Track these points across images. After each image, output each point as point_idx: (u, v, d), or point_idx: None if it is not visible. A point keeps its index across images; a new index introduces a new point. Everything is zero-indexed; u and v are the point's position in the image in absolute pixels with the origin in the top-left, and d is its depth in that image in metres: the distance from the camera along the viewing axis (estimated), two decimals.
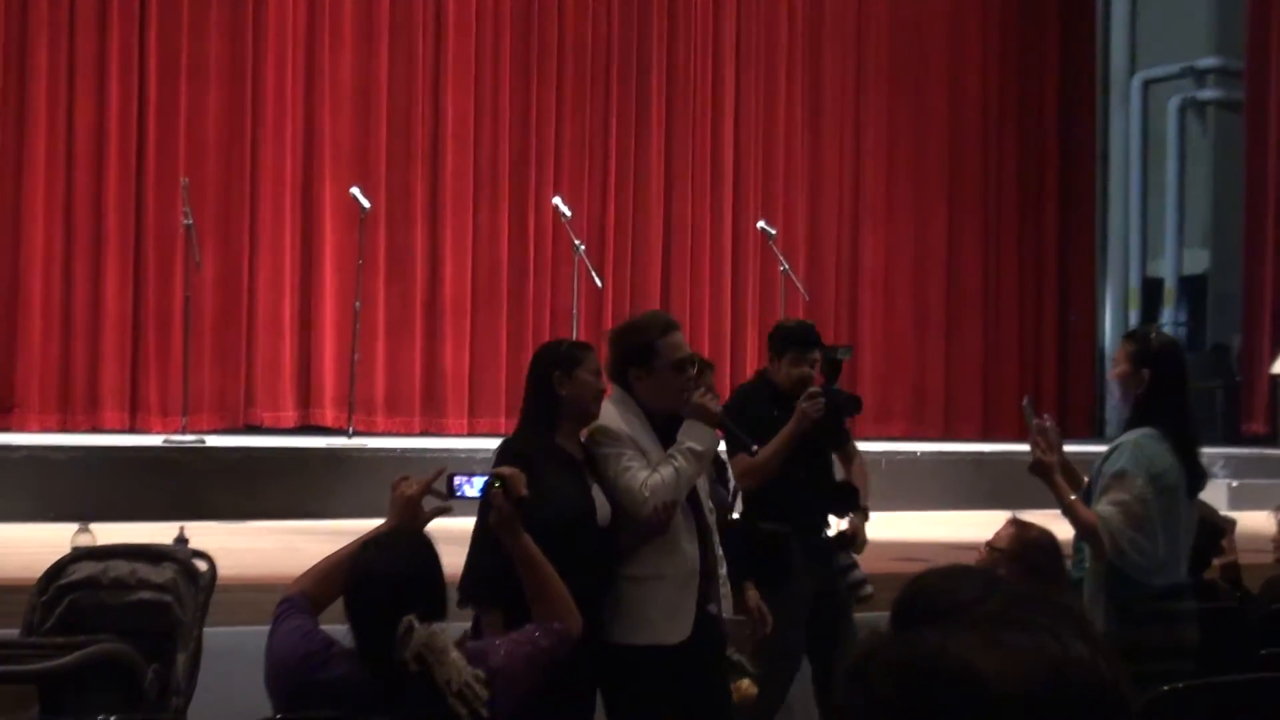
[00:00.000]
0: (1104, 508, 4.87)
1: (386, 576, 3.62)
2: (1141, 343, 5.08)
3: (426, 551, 3.72)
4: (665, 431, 4.96)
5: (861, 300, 15.98)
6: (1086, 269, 18.07)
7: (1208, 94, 19.13)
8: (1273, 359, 15.69)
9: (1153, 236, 19.69)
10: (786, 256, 13.54)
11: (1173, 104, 19.27)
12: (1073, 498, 4.97)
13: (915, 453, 13.08)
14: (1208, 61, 19.06)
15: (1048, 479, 4.95)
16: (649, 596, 4.89)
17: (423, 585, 3.63)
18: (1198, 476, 5.01)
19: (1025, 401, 5.55)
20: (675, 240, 15.00)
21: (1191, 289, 19.65)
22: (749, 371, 14.85)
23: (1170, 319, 19.35)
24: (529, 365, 5.11)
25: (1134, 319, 19.44)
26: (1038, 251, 17.28)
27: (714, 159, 15.21)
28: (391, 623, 3.49)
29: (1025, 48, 17.28)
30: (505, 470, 3.94)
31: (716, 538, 5.14)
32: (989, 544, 4.63)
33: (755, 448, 5.34)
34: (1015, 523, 4.78)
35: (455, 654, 3.50)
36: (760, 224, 13.62)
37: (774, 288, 13.95)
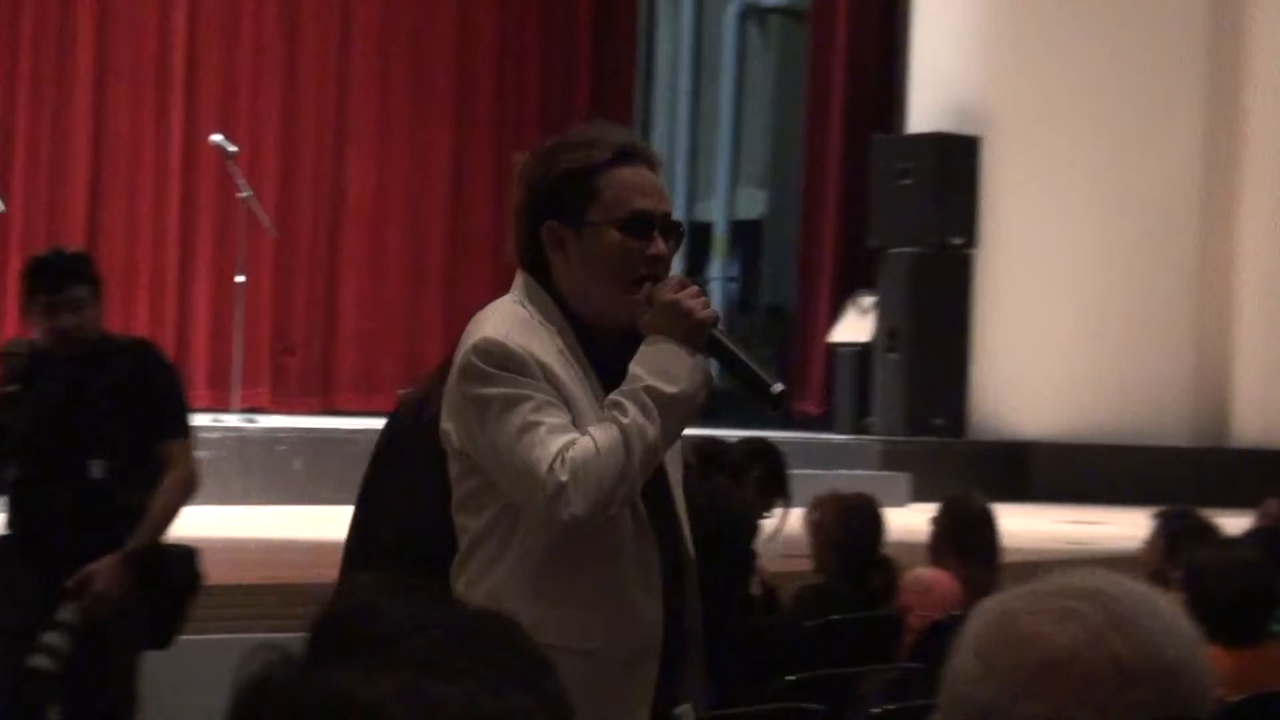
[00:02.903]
0: None
1: None
2: None
3: None
4: (610, 364, 3.29)
5: (344, 240, 16.01)
6: None
7: (772, 0, 19.65)
8: (831, 324, 16.31)
9: (702, 172, 20.15)
10: (251, 181, 13.45)
11: (731, 10, 19.70)
12: None
13: None
14: None
15: None
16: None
17: None
18: None
19: None
20: (106, 156, 14.77)
21: (746, 236, 20.20)
22: (201, 322, 14.77)
23: (720, 272, 19.92)
24: None
25: (678, 269, 19.92)
26: None
27: (160, 56, 14.99)
28: None
29: None
30: None
31: (696, 584, 3.51)
32: None
33: (779, 388, 3.32)
34: None
35: None
36: (216, 138, 13.48)
37: (233, 218, 13.85)
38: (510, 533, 3.23)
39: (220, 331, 14.31)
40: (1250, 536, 7.81)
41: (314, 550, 9.08)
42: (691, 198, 20.27)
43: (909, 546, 6.87)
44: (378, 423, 12.74)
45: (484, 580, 3.26)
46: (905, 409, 15.14)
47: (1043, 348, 15.24)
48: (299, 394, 15.28)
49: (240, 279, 12.80)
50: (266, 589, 7.66)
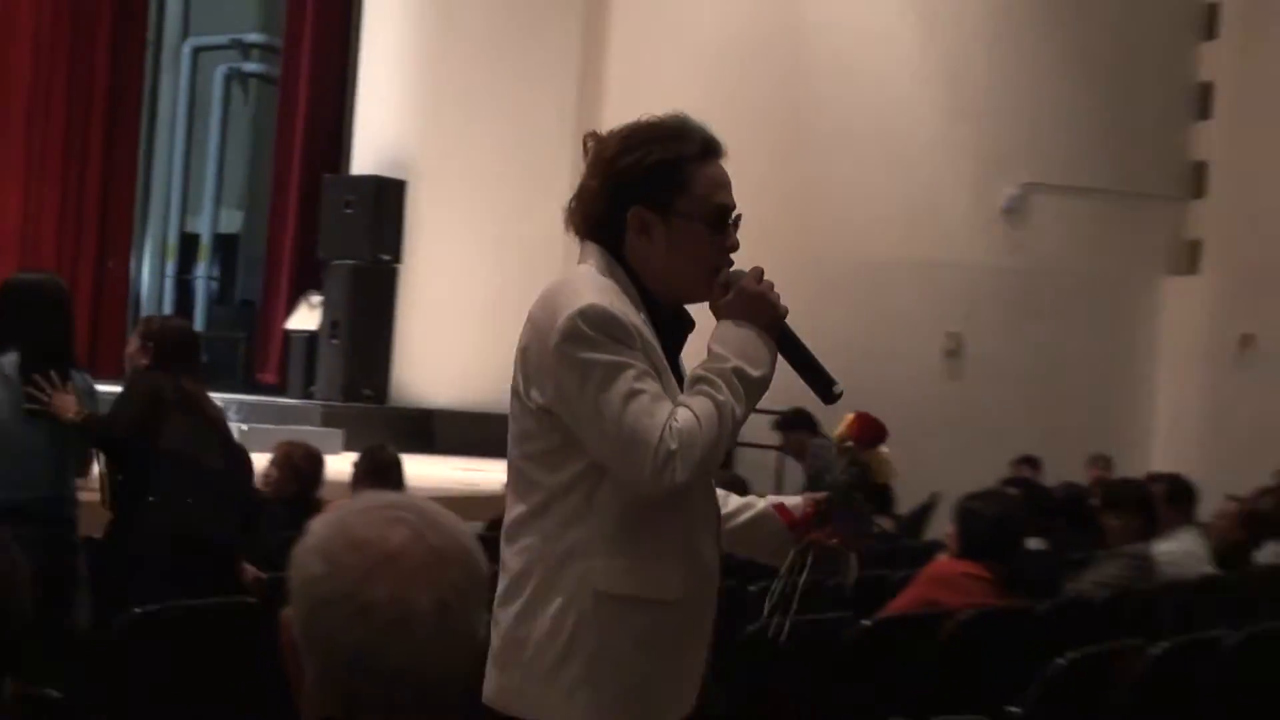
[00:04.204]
0: None
1: None
2: None
3: None
4: (664, 336, 2.73)
5: None
6: (126, 220, 17.98)
7: (251, 67, 19.61)
8: (288, 315, 16.26)
9: (193, 195, 19.96)
10: None
11: (219, 72, 19.60)
12: None
13: None
14: (253, 36, 19.49)
15: None
16: (644, 635, 2.63)
17: None
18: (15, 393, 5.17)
19: None
20: None
21: (225, 246, 20.09)
22: None
23: (205, 273, 19.73)
24: None
25: (171, 270, 19.64)
26: (80, 200, 17.02)
27: None
28: None
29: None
30: None
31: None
32: None
33: (840, 388, 2.78)
34: None
35: None
36: None
37: None
38: (595, 490, 2.60)
39: None
40: None
41: None
42: (184, 214, 19.99)
43: (340, 485, 6.89)
44: None
45: (567, 535, 2.60)
46: (342, 381, 15.07)
47: (447, 339, 15.36)
48: None
49: None
50: None
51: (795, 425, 9.88)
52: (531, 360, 2.61)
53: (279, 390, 15.94)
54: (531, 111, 15.18)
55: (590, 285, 2.61)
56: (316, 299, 15.69)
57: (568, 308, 2.55)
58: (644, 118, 2.74)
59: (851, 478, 2.81)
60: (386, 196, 15.29)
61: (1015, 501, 5.63)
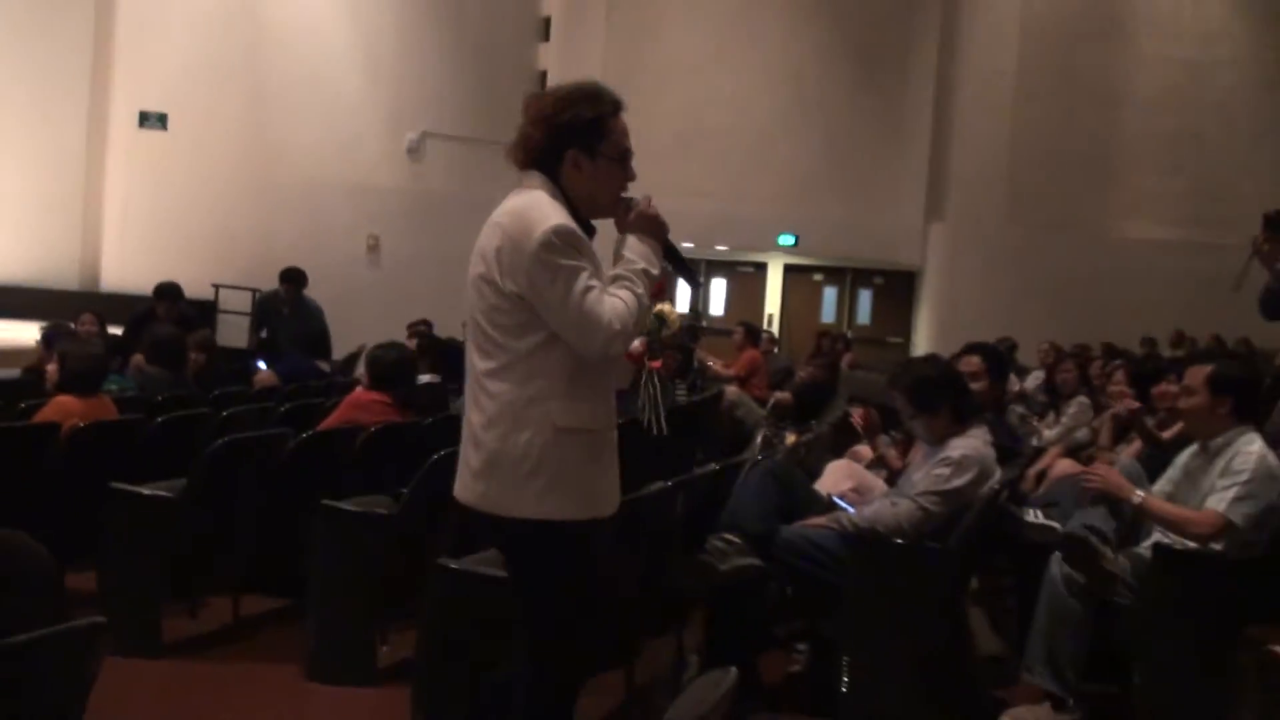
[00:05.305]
0: None
1: None
2: None
3: None
4: None
5: None
6: None
7: None
8: None
9: None
10: None
11: None
12: None
13: None
14: None
15: None
16: (587, 454, 2.67)
17: None
18: None
19: None
20: None
21: None
22: None
23: None
24: None
25: None
26: None
27: None
28: None
29: None
30: None
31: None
32: None
33: (700, 279, 2.69)
34: None
35: None
36: None
37: None
38: (549, 352, 2.58)
39: None
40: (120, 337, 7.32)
41: None
42: None
43: None
44: None
45: (530, 384, 2.60)
46: None
47: None
48: None
49: None
50: None
51: None
52: (505, 259, 2.63)
53: None
54: (51, 50, 13.87)
55: (552, 208, 2.65)
56: None
57: (542, 224, 2.61)
58: (568, 83, 2.77)
59: (657, 322, 3.03)
60: None
61: (410, 349, 5.70)
